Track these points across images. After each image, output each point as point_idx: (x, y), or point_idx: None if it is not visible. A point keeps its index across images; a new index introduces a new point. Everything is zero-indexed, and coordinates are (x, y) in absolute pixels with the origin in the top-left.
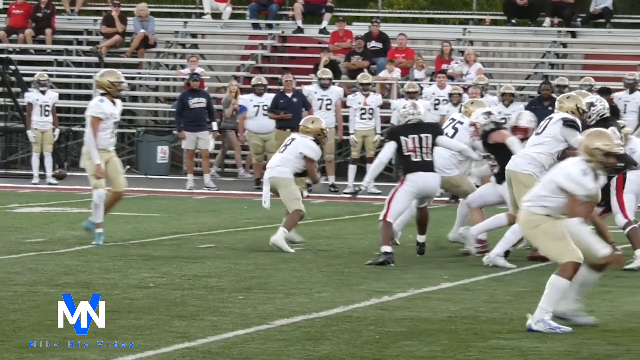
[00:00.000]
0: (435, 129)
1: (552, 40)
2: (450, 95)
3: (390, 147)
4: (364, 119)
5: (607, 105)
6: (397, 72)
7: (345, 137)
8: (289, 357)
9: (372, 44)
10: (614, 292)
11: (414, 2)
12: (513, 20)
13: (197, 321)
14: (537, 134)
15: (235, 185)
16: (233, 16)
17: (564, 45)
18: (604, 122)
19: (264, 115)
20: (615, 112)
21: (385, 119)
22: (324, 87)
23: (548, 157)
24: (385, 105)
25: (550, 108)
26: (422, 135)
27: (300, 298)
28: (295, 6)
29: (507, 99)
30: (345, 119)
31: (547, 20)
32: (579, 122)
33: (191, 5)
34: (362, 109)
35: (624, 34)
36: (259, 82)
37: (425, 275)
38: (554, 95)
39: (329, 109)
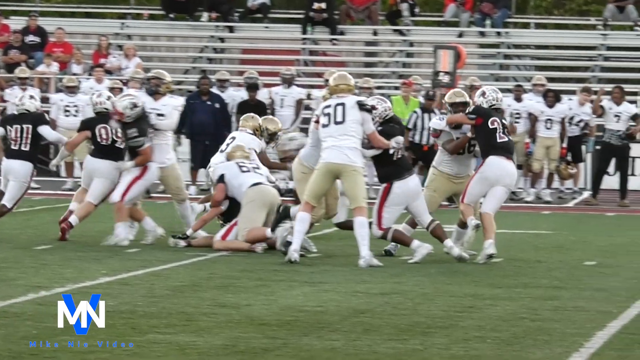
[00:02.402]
0: (36, 120)
1: (210, 35)
2: (112, 89)
3: None
4: None
5: (389, 106)
6: (55, 66)
7: None
8: None
9: (30, 38)
10: (270, 285)
11: None
12: (171, 15)
13: None
14: (338, 122)
15: None
16: None
17: (222, 40)
18: (388, 122)
19: None
20: (262, 106)
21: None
22: None
23: (360, 142)
24: (43, 100)
25: (209, 103)
26: (24, 125)
27: None
28: None
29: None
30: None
31: (205, 15)
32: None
33: None
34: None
35: (281, 29)
36: None
37: (83, 270)
38: (212, 90)
39: None
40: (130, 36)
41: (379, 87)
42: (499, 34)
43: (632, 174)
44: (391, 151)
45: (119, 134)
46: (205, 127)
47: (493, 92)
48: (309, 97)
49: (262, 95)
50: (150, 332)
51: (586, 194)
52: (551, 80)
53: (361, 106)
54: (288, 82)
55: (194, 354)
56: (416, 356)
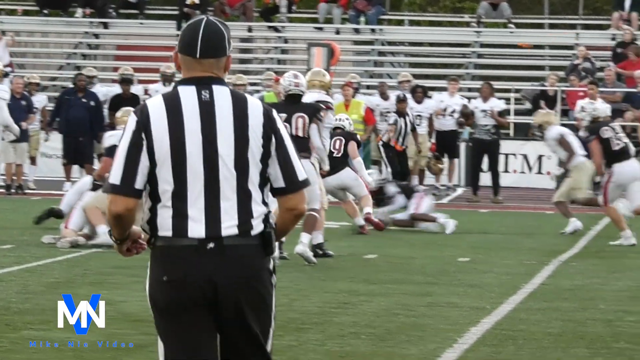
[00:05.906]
0: None
1: (84, 31)
2: None
3: None
4: None
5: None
6: None
7: None
8: None
9: None
10: (145, 282)
11: None
12: (45, 11)
13: None
14: None
15: None
16: None
17: (97, 36)
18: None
19: None
20: (136, 100)
21: None
22: None
23: None
24: None
25: (84, 100)
26: None
27: None
28: None
29: (33, 88)
30: None
31: (80, 10)
32: None
33: None
34: None
35: (155, 25)
36: None
37: None
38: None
39: None
40: (4, 32)
41: (253, 84)
42: (373, 31)
43: (506, 171)
44: None
45: None
46: (79, 124)
47: (589, 105)
48: None
49: (137, 90)
50: (24, 328)
51: (460, 190)
52: (425, 77)
53: None
54: (169, 80)
55: (69, 350)
56: (291, 352)
